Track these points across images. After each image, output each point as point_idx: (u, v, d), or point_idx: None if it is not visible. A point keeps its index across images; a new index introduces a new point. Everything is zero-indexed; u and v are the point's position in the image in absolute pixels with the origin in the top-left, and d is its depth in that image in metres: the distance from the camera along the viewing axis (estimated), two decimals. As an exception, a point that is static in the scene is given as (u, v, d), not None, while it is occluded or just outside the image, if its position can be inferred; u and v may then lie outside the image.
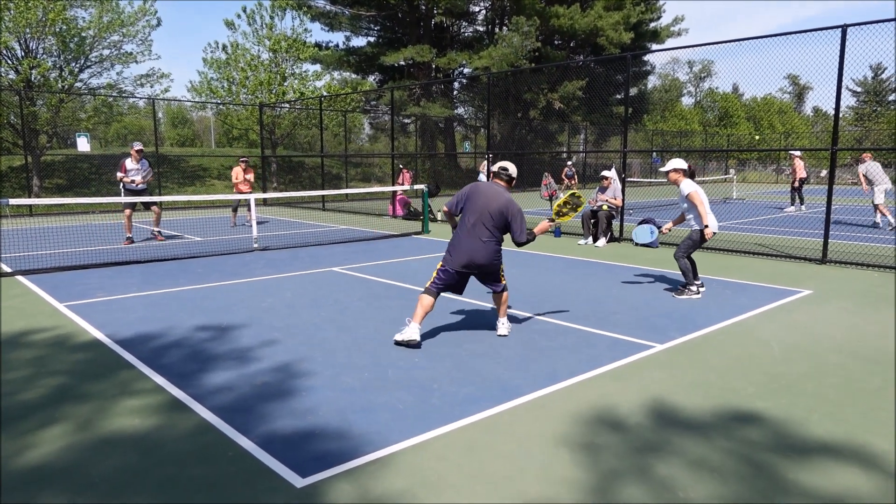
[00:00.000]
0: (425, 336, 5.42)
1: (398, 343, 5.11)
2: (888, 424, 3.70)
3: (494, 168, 5.40)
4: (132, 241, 11.14)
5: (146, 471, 3.14)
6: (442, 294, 5.47)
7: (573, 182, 26.74)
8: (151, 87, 22.29)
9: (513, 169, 5.35)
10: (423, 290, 5.24)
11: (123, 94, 22.00)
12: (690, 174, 7.14)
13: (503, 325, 5.47)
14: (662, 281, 7.92)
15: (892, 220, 13.41)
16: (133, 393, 4.16)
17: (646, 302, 6.77)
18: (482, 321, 5.96)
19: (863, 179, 13.78)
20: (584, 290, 7.36)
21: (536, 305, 6.57)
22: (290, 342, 5.27)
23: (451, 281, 5.25)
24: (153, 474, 3.10)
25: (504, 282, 5.45)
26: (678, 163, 7.09)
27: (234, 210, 14.36)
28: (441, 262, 5.28)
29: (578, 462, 3.24)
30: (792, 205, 17.48)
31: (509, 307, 6.30)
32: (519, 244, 5.24)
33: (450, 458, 3.28)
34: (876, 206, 13.78)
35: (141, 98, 23.61)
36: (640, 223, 9.08)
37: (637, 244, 8.13)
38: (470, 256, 5.12)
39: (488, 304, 6.57)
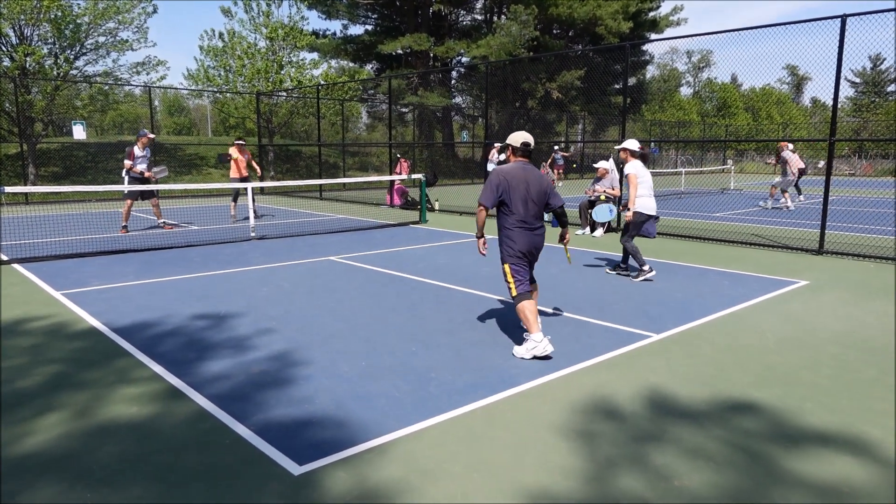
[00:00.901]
0: (422, 324, 5.44)
1: (538, 357, 4.63)
2: (883, 414, 3.72)
3: (517, 144, 4.87)
4: (127, 231, 11.11)
5: (143, 458, 3.14)
6: (437, 283, 5.36)
7: (560, 170, 25.13)
8: (147, 74, 22.17)
9: (532, 141, 4.92)
10: (516, 301, 4.75)
11: (119, 82, 21.86)
12: (642, 157, 7.30)
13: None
14: (660, 271, 7.93)
15: (770, 204, 16.28)
16: (130, 381, 4.16)
17: (642, 292, 6.78)
18: (479, 310, 5.96)
19: (785, 162, 15.76)
20: (581, 280, 7.37)
21: (534, 295, 6.58)
22: (287, 331, 5.27)
23: (528, 271, 4.90)
24: (150, 461, 3.11)
25: None
26: (629, 143, 7.30)
27: (235, 199, 13.30)
28: (507, 264, 4.83)
29: (575, 450, 3.25)
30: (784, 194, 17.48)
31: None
32: (559, 208, 4.99)
33: (447, 446, 3.29)
34: (773, 186, 16.23)
35: (137, 86, 23.47)
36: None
37: (598, 222, 8.30)
38: (530, 247, 4.83)
39: (484, 293, 6.57)
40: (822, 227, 9.31)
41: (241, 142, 13.29)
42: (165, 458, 3.14)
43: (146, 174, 11.12)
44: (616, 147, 7.64)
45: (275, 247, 9.74)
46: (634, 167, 7.16)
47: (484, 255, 5.00)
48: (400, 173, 16.59)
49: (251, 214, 10.85)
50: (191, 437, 3.37)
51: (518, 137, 4.89)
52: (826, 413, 3.73)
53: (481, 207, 4.76)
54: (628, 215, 7.18)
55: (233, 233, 11.11)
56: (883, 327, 5.50)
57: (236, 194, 13.38)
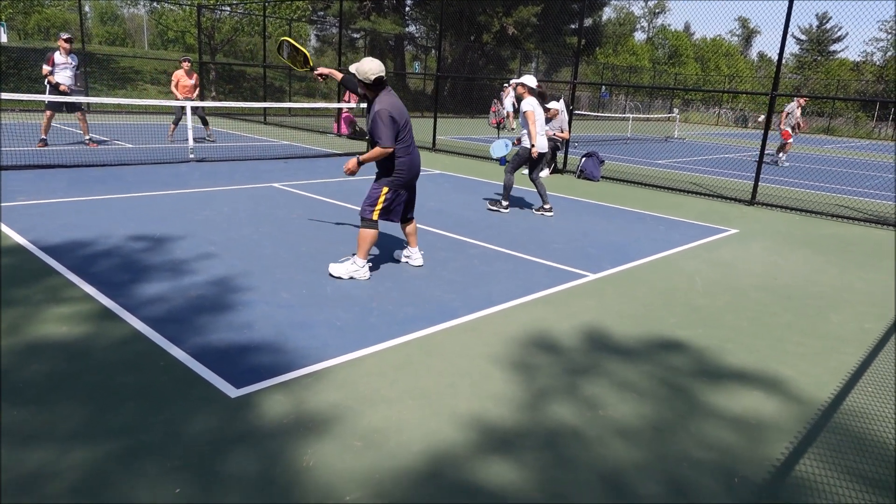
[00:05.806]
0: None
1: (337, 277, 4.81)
2: (794, 355, 4.00)
3: (379, 75, 4.61)
4: (46, 144, 10.41)
5: (73, 377, 3.08)
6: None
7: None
8: (77, -24, 20.45)
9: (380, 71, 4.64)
10: (373, 221, 4.80)
11: (44, -18, 20.15)
12: (539, 94, 7.49)
13: (420, 255, 5.35)
14: (602, 213, 8.11)
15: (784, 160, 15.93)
16: (61, 300, 4.03)
17: (583, 233, 6.94)
18: (424, 244, 5.98)
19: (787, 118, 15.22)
20: (524, 220, 7.47)
21: (477, 231, 6.64)
22: (228, 256, 5.17)
23: (403, 204, 5.01)
24: (81, 381, 3.05)
25: None
26: (527, 79, 7.48)
27: (177, 122, 12.38)
28: (388, 188, 4.84)
29: (509, 380, 3.37)
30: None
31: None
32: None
33: (385, 373, 3.35)
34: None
35: (64, -12, 21.70)
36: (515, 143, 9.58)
37: (495, 158, 8.24)
38: (417, 171, 4.99)
39: (430, 227, 6.59)
40: (756, 180, 9.66)
41: (187, 60, 12.39)
42: (97, 378, 3.09)
43: (61, 87, 10.13)
44: (513, 82, 7.73)
45: (215, 170, 9.41)
46: (531, 104, 7.35)
47: (350, 171, 5.03)
48: (348, 101, 16.13)
49: (189, 133, 10.38)
50: (124, 359, 3.31)
51: (375, 69, 4.60)
52: (744, 352, 3.98)
53: (387, 148, 4.65)
54: (534, 151, 7.36)
55: (170, 153, 10.65)
56: (801, 275, 5.84)
57: (181, 115, 12.23)
